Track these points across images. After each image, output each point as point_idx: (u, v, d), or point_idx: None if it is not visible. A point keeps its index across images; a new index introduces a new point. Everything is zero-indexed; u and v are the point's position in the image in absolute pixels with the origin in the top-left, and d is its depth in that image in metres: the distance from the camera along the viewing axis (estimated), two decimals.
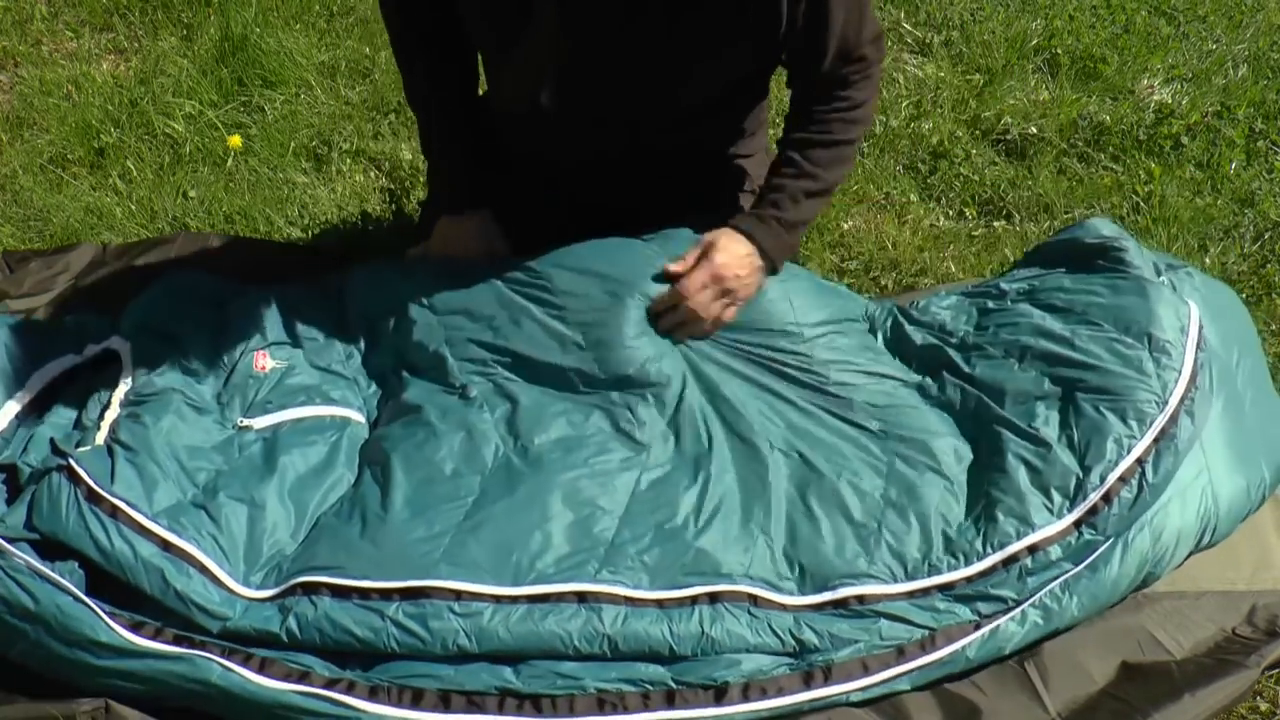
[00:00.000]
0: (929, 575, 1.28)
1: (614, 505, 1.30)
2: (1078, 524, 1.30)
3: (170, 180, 2.07)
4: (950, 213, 2.15)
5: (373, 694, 1.16)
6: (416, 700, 1.16)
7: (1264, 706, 1.36)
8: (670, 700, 1.18)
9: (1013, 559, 1.28)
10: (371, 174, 2.14)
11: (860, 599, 1.25)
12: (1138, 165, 2.26)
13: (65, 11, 2.48)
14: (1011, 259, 1.93)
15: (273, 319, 1.50)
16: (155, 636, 1.17)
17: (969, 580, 1.28)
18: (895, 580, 1.28)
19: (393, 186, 2.11)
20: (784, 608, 1.25)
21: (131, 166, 2.08)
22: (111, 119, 2.17)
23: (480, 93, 1.61)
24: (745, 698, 1.19)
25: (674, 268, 1.46)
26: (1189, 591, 1.39)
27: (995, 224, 2.12)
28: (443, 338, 1.47)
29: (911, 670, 1.24)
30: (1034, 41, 2.57)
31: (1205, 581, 1.41)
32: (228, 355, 1.45)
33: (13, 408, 1.39)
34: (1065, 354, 1.43)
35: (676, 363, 1.45)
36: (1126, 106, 2.40)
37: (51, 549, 1.20)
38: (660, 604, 1.22)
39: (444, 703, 1.16)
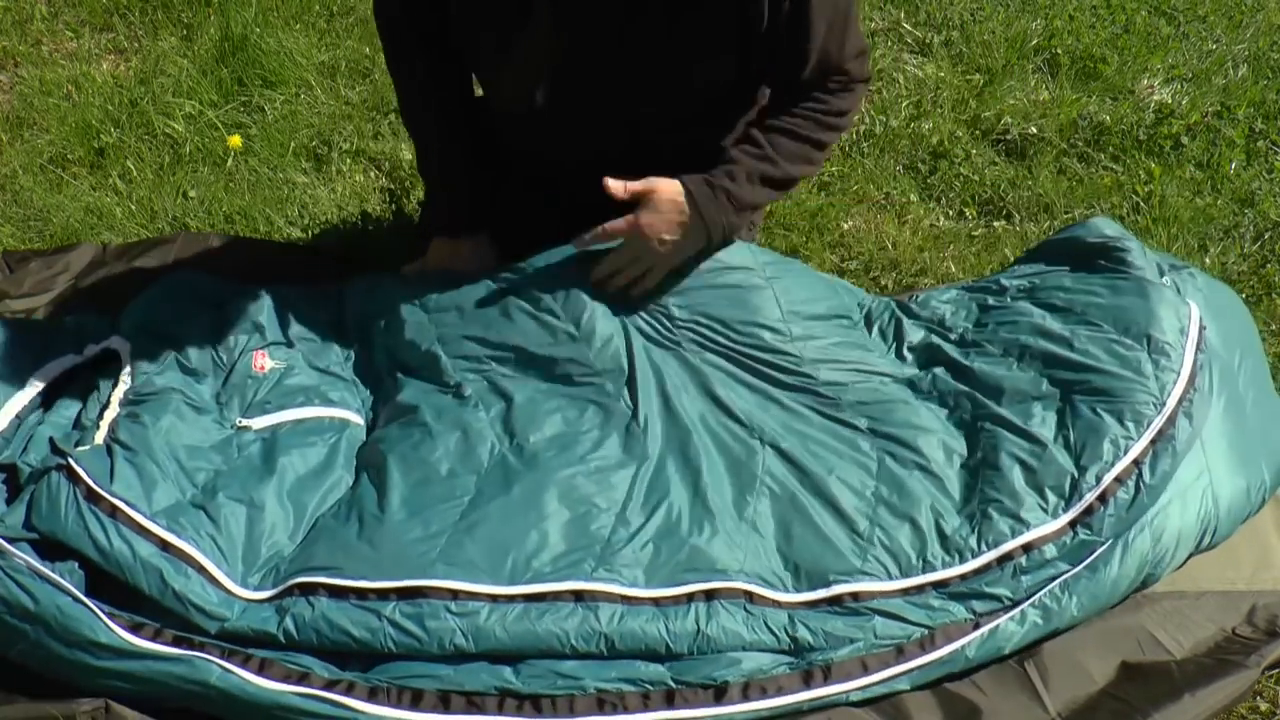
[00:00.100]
0: (923, 572, 1.28)
1: (610, 503, 1.30)
2: (1073, 524, 1.30)
3: (170, 180, 2.07)
4: (950, 213, 2.15)
5: (372, 695, 1.16)
6: (416, 701, 1.16)
7: (1264, 706, 1.35)
8: (670, 700, 1.18)
9: (1007, 557, 1.28)
10: (371, 174, 2.14)
11: (854, 596, 1.26)
12: (1138, 165, 2.26)
13: (65, 11, 2.48)
14: (1011, 259, 1.93)
15: (272, 319, 1.50)
16: (155, 638, 1.17)
17: (963, 578, 1.28)
18: (889, 577, 1.28)
19: (393, 186, 2.11)
20: (779, 605, 1.25)
21: (131, 166, 2.08)
22: (111, 119, 2.17)
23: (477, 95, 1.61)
24: (745, 697, 1.19)
25: (615, 187, 1.42)
26: (1189, 591, 1.39)
27: (995, 224, 2.13)
28: (435, 336, 1.47)
29: (911, 670, 1.24)
30: (1034, 41, 2.57)
31: (1205, 581, 1.41)
32: (227, 355, 1.45)
33: (13, 408, 1.39)
34: (1064, 354, 1.43)
35: (668, 360, 1.45)
36: (1126, 106, 2.40)
37: (51, 549, 1.20)
38: (656, 602, 1.22)
39: (443, 703, 1.16)
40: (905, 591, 1.27)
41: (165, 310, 1.51)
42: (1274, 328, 1.91)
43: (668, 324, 1.48)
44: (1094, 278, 1.53)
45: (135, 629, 1.17)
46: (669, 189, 1.43)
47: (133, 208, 2.00)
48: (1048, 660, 1.30)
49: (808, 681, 1.22)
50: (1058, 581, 1.29)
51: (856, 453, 1.39)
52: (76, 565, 1.20)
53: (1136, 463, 1.32)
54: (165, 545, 1.20)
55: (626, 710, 1.17)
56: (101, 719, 1.16)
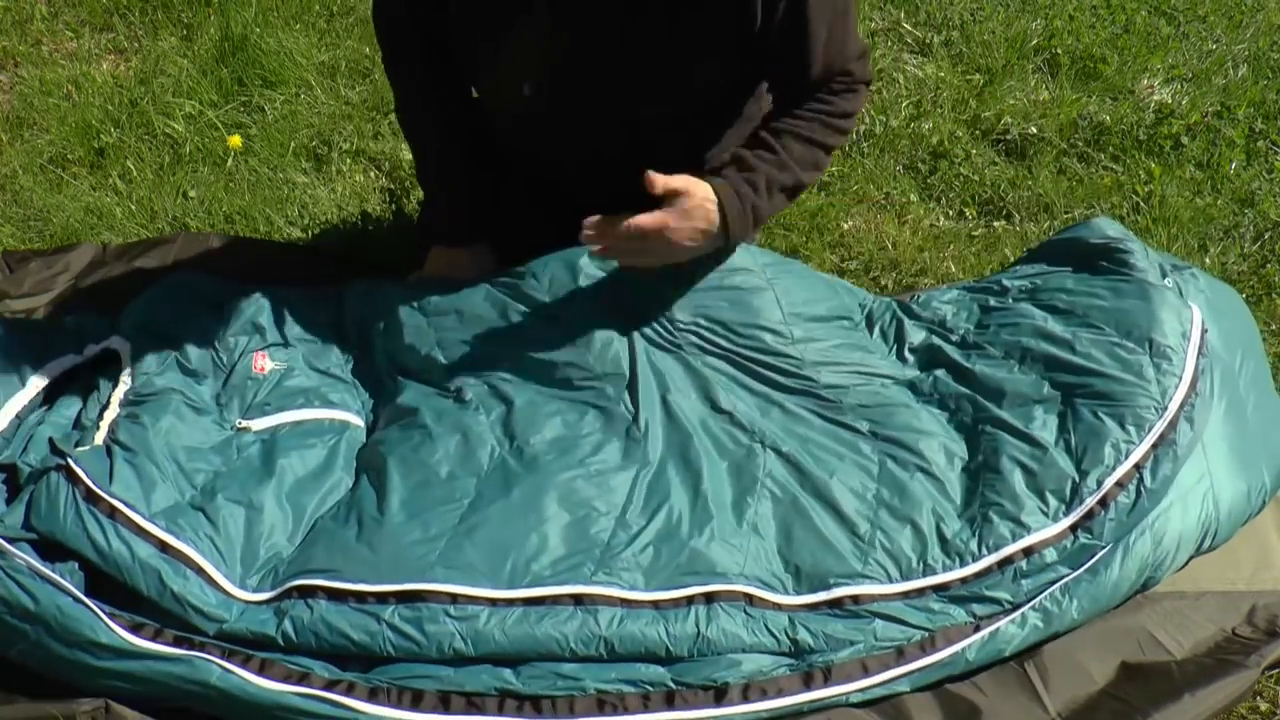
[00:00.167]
0: (924, 575, 1.28)
1: (610, 506, 1.30)
2: (1074, 528, 1.30)
3: (170, 180, 2.07)
4: (950, 213, 2.15)
5: (372, 695, 1.16)
6: (416, 702, 1.16)
7: (1264, 706, 1.36)
8: (670, 701, 1.18)
9: (1008, 561, 1.28)
10: (371, 174, 2.14)
11: (855, 599, 1.25)
12: (1138, 165, 2.26)
13: (65, 11, 2.48)
14: (1011, 259, 1.93)
15: (272, 321, 1.50)
16: (155, 638, 1.17)
17: (964, 581, 1.28)
18: (890, 580, 1.28)
19: (393, 186, 2.11)
20: (779, 607, 1.25)
21: (131, 166, 2.08)
22: (111, 119, 2.17)
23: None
24: (745, 698, 1.19)
25: (656, 181, 1.36)
26: (1189, 592, 1.39)
27: (995, 224, 2.12)
28: (434, 340, 1.47)
29: (911, 671, 1.24)
30: (1034, 41, 2.57)
31: (1205, 582, 1.41)
32: (227, 356, 1.45)
33: (13, 408, 1.39)
34: (1066, 358, 1.43)
35: (668, 363, 1.45)
36: (1126, 106, 2.40)
37: (52, 549, 1.20)
38: (656, 605, 1.22)
39: (444, 704, 1.16)
40: (905, 594, 1.27)
41: (165, 311, 1.51)
42: (1274, 328, 1.91)
43: (669, 327, 1.47)
44: (1096, 279, 1.53)
45: (135, 629, 1.17)
46: (702, 195, 1.38)
47: (133, 208, 2.00)
48: (1048, 661, 1.30)
49: (808, 683, 1.21)
50: (1058, 585, 1.29)
51: (858, 455, 1.38)
52: (76, 565, 1.19)
53: (1138, 467, 1.32)
54: (164, 546, 1.20)
55: (627, 711, 1.17)
56: (101, 719, 1.16)
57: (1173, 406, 1.36)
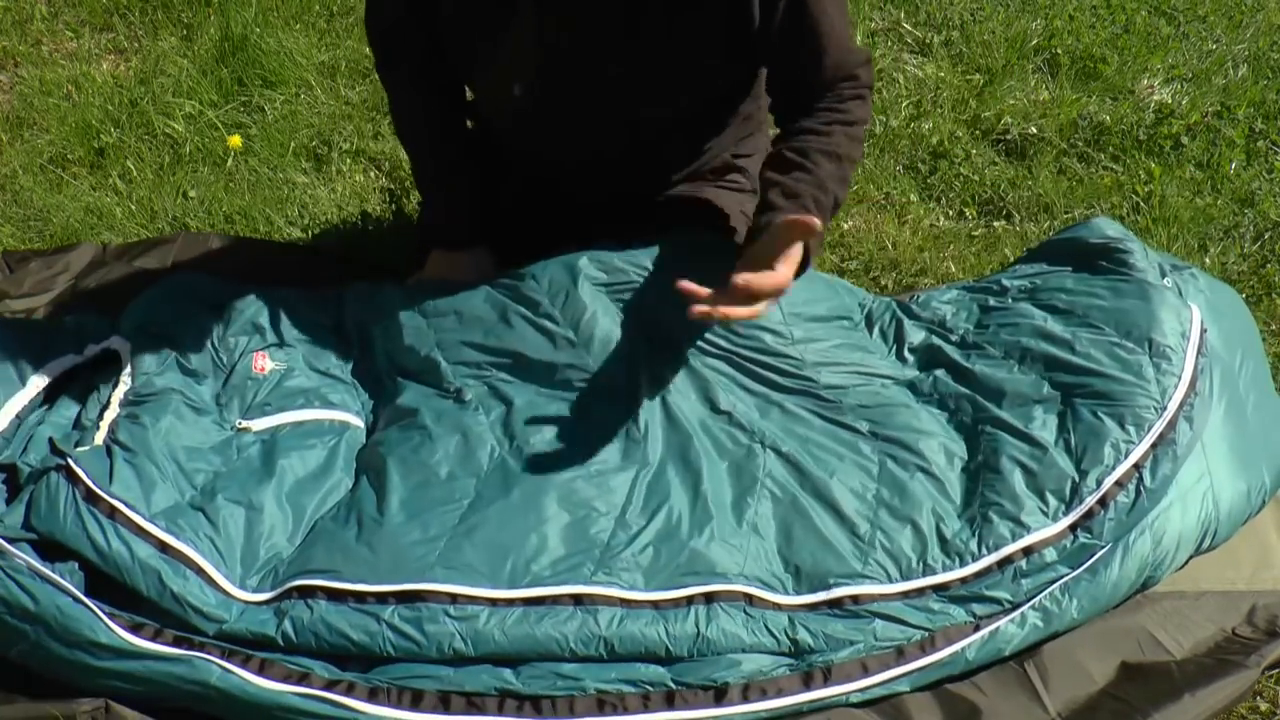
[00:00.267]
0: (924, 575, 1.28)
1: (609, 506, 1.30)
2: (1073, 528, 1.30)
3: (170, 180, 2.07)
4: (950, 213, 2.15)
5: (372, 695, 1.16)
6: (416, 702, 1.16)
7: (1264, 706, 1.35)
8: (670, 701, 1.18)
9: (1007, 560, 1.28)
10: (371, 174, 2.14)
11: (855, 599, 1.25)
12: (1138, 165, 2.26)
13: (65, 11, 2.48)
14: (1011, 259, 1.93)
15: (272, 320, 1.50)
16: (155, 638, 1.17)
17: (963, 581, 1.27)
18: (890, 580, 1.28)
19: (393, 186, 2.11)
20: (779, 607, 1.25)
21: (131, 166, 2.08)
22: (111, 119, 2.17)
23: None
24: (745, 698, 1.19)
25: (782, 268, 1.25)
26: (1189, 591, 1.39)
27: (995, 224, 2.12)
28: (434, 341, 1.47)
29: (911, 671, 1.24)
30: (1034, 41, 2.57)
31: (1205, 582, 1.41)
32: (227, 356, 1.45)
33: (13, 408, 1.39)
34: (1065, 358, 1.43)
35: (668, 364, 1.44)
36: (1126, 106, 2.40)
37: (52, 549, 1.20)
38: (656, 605, 1.22)
39: (444, 704, 1.16)
40: (905, 594, 1.27)
41: (165, 311, 1.51)
42: (1274, 328, 1.91)
43: (668, 328, 1.47)
44: (1096, 279, 1.53)
45: (135, 629, 1.17)
46: (793, 256, 1.29)
47: (133, 208, 2.00)
48: (1048, 660, 1.30)
49: (808, 683, 1.21)
50: (1058, 584, 1.29)
51: (858, 455, 1.38)
52: (76, 565, 1.19)
53: (1137, 466, 1.32)
54: (164, 547, 1.20)
55: (627, 711, 1.17)
56: (101, 719, 1.16)
57: (1172, 406, 1.36)
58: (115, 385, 1.40)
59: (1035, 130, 2.30)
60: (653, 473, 1.35)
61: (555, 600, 1.21)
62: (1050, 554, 1.29)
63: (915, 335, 1.55)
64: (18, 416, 1.39)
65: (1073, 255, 1.59)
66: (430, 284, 1.55)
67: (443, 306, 1.49)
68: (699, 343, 1.46)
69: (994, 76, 2.46)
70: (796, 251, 1.28)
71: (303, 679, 1.16)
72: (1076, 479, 1.32)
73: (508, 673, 1.18)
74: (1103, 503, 1.30)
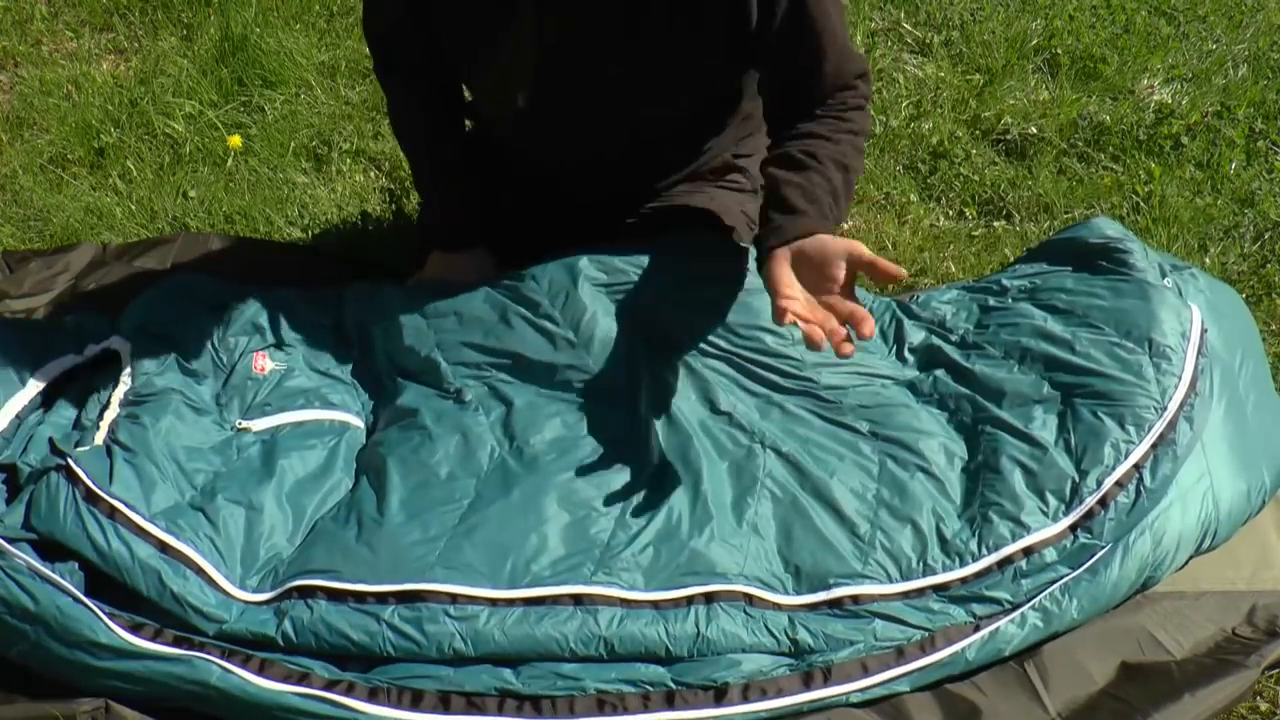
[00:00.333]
0: (924, 575, 1.28)
1: (609, 506, 1.30)
2: (1073, 528, 1.30)
3: (170, 180, 2.07)
4: (950, 213, 2.15)
5: (372, 695, 1.16)
6: (416, 702, 1.16)
7: (1264, 706, 1.35)
8: (670, 701, 1.18)
9: (1007, 560, 1.28)
10: (371, 174, 2.14)
11: (855, 599, 1.25)
12: (1138, 165, 2.26)
13: (65, 11, 2.48)
14: (1011, 259, 1.93)
15: (272, 320, 1.50)
16: (155, 638, 1.17)
17: (964, 581, 1.27)
18: (890, 580, 1.28)
19: (393, 186, 2.11)
20: (779, 607, 1.25)
21: (131, 166, 2.08)
22: (111, 119, 2.17)
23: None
24: (745, 698, 1.19)
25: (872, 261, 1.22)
26: (1189, 591, 1.39)
27: (995, 224, 2.12)
28: (434, 342, 1.47)
29: (911, 671, 1.24)
30: (1034, 41, 2.57)
31: (1205, 582, 1.40)
32: (227, 356, 1.45)
33: (13, 407, 1.39)
34: (1065, 358, 1.43)
35: (668, 365, 1.44)
36: (1126, 106, 2.40)
37: (52, 549, 1.20)
38: (656, 605, 1.22)
39: (444, 704, 1.16)
40: (905, 594, 1.27)
41: (165, 311, 1.51)
42: (1274, 328, 1.91)
43: (668, 329, 1.47)
44: (1096, 279, 1.53)
45: (135, 629, 1.17)
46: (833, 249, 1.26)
47: (133, 208, 2.00)
48: (1048, 660, 1.29)
49: (808, 683, 1.21)
50: (1058, 585, 1.29)
51: (858, 456, 1.38)
52: (76, 565, 1.19)
53: (1137, 467, 1.32)
54: (164, 547, 1.20)
55: (627, 711, 1.17)
56: (101, 719, 1.16)
57: (1172, 406, 1.36)
58: (115, 385, 1.40)
59: (1035, 130, 2.30)
60: (653, 473, 1.35)
61: (555, 600, 1.21)
62: (1050, 554, 1.29)
63: (915, 335, 1.55)
64: (18, 416, 1.39)
65: (1073, 255, 1.59)
66: (430, 285, 1.55)
67: (443, 307, 1.49)
68: (699, 344, 1.46)
69: (994, 76, 2.46)
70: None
71: (303, 679, 1.16)
72: (1076, 479, 1.32)
73: (508, 673, 1.18)
74: (1103, 503, 1.30)
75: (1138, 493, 1.31)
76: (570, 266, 1.48)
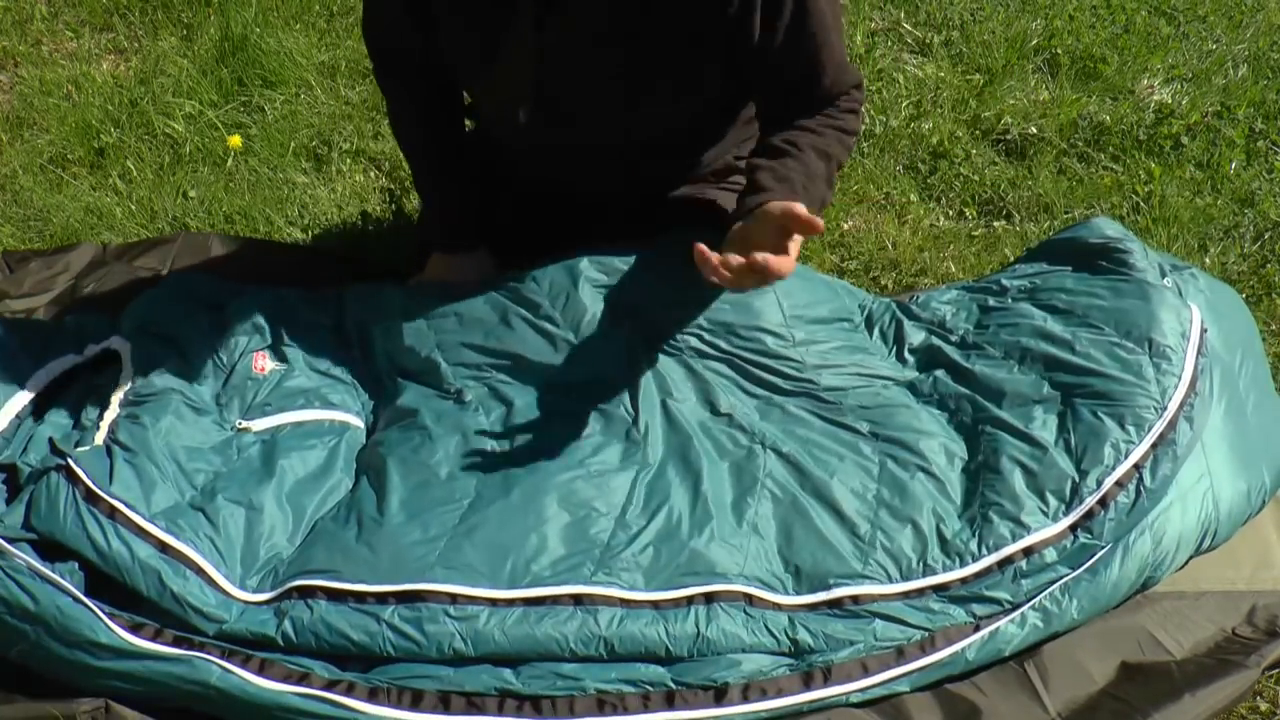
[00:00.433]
0: (924, 576, 1.28)
1: (609, 507, 1.30)
2: (1073, 528, 1.30)
3: (170, 180, 2.07)
4: (950, 213, 2.15)
5: (372, 695, 1.16)
6: (416, 702, 1.16)
7: (1264, 706, 1.35)
8: (670, 701, 1.18)
9: (1008, 560, 1.28)
10: (371, 174, 2.14)
11: (855, 599, 1.25)
12: (1138, 165, 2.26)
13: (65, 11, 2.48)
14: (1011, 259, 1.93)
15: (272, 321, 1.50)
16: (155, 638, 1.17)
17: (964, 581, 1.27)
18: (890, 580, 1.28)
19: (393, 186, 2.11)
20: (779, 607, 1.25)
21: (131, 166, 2.08)
22: (111, 119, 2.17)
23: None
24: (745, 698, 1.19)
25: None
26: (1189, 591, 1.39)
27: (995, 224, 2.12)
28: (434, 343, 1.47)
29: (911, 671, 1.24)
30: (1034, 41, 2.57)
31: (1205, 582, 1.41)
32: (227, 356, 1.45)
33: (13, 408, 1.39)
34: (1065, 358, 1.43)
35: (669, 367, 1.44)
36: (1126, 106, 2.40)
37: (52, 549, 1.20)
38: (656, 605, 1.22)
39: (444, 704, 1.16)
40: (905, 595, 1.27)
41: (166, 311, 1.51)
42: (1274, 328, 1.91)
43: (669, 330, 1.47)
44: (1095, 279, 1.53)
45: (135, 629, 1.17)
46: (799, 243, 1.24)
47: (133, 208, 2.00)
48: (1048, 660, 1.30)
49: (808, 683, 1.21)
50: (1058, 585, 1.29)
51: (858, 456, 1.38)
52: (76, 565, 1.19)
53: (1137, 467, 1.32)
54: (164, 547, 1.20)
55: (627, 711, 1.17)
56: (101, 719, 1.16)
57: (1172, 406, 1.36)
58: (115, 385, 1.40)
59: (1035, 130, 2.30)
60: (653, 473, 1.35)
61: (555, 600, 1.21)
62: (1050, 554, 1.29)
63: (915, 336, 1.55)
64: (18, 416, 1.39)
65: (1073, 255, 1.59)
66: (430, 286, 1.55)
67: (443, 308, 1.49)
68: (700, 345, 1.46)
69: (994, 76, 2.46)
70: (798, 243, 1.22)
71: (303, 679, 1.16)
72: (1076, 479, 1.32)
73: (508, 673, 1.18)
74: (1103, 503, 1.30)
75: (1138, 493, 1.31)
76: (571, 268, 1.48)
